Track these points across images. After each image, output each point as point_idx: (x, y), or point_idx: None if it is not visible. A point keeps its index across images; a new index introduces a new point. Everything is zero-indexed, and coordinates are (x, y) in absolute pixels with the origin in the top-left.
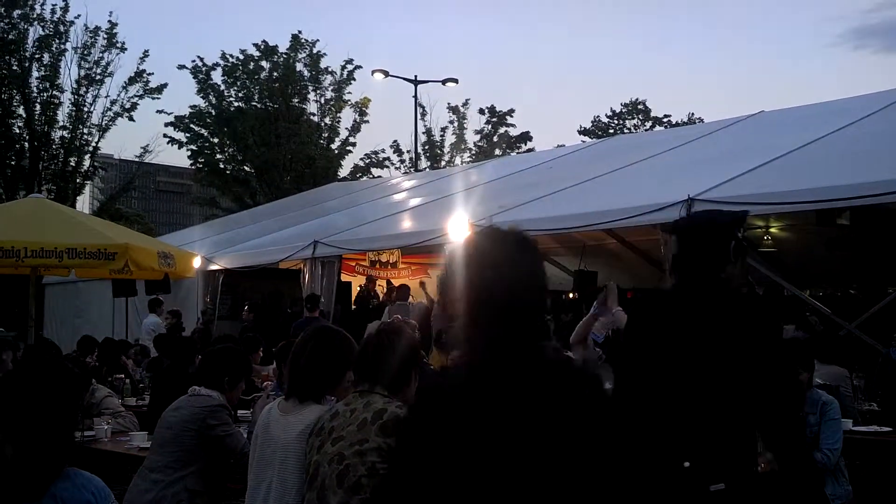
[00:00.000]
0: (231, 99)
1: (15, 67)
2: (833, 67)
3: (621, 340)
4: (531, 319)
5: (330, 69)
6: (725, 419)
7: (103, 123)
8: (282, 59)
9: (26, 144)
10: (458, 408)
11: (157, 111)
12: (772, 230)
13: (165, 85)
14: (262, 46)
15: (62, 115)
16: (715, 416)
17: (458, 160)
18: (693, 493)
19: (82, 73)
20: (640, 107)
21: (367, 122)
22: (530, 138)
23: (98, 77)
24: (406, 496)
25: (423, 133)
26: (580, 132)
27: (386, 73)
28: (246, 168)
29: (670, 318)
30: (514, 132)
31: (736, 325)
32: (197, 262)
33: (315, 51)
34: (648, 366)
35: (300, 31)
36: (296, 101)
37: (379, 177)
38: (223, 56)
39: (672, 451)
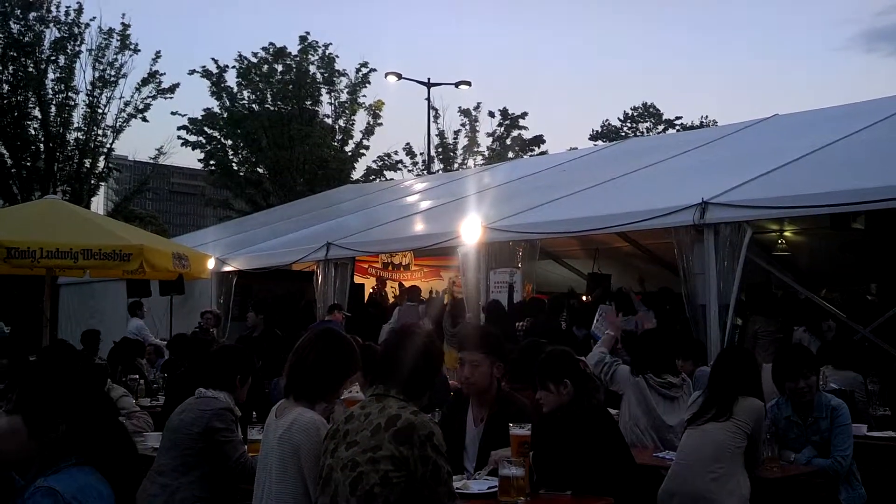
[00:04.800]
0: (244, 101)
1: (31, 70)
2: (844, 71)
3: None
4: None
5: (344, 71)
6: None
7: (117, 125)
8: (294, 62)
9: (42, 146)
10: None
11: (172, 113)
12: (786, 234)
13: (178, 85)
14: (271, 49)
15: (77, 117)
16: None
17: (470, 163)
18: None
19: (97, 74)
20: (651, 110)
21: (381, 124)
22: (543, 141)
23: (112, 78)
24: None
25: (437, 136)
26: (592, 137)
27: (399, 76)
28: (259, 170)
29: None
30: (526, 135)
31: None
32: (211, 264)
33: (327, 53)
34: None
35: (308, 33)
36: (308, 103)
37: (392, 179)
38: (238, 58)
39: None
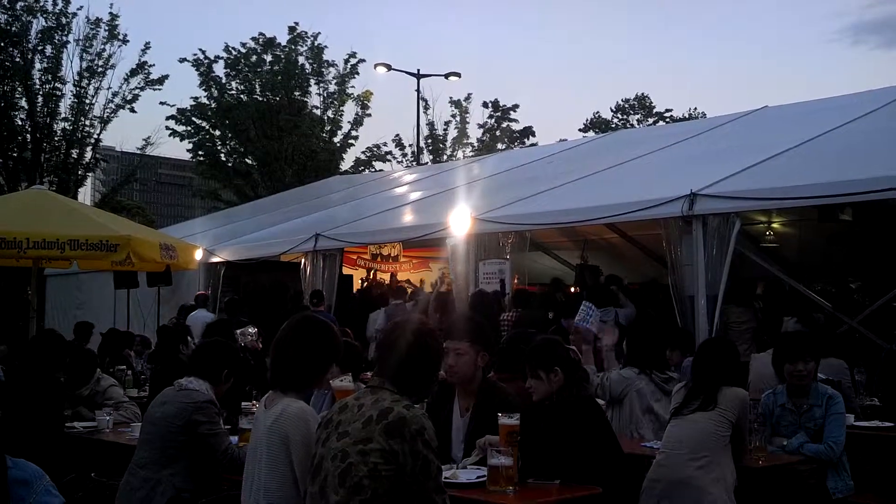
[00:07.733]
0: (233, 92)
1: (18, 59)
2: (832, 63)
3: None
4: None
5: (333, 62)
6: None
7: (105, 115)
8: (283, 52)
9: (28, 136)
10: None
11: (160, 103)
12: (774, 226)
13: (167, 76)
14: (261, 39)
15: (64, 107)
16: None
17: (460, 154)
18: None
19: (84, 65)
20: (643, 101)
21: (370, 115)
22: (533, 133)
23: (100, 69)
24: None
25: (426, 127)
26: (582, 128)
27: (389, 67)
28: (248, 161)
29: None
30: (516, 127)
31: None
32: (199, 255)
33: (316, 43)
34: None
35: (297, 23)
36: (297, 93)
37: (381, 170)
38: (226, 49)
39: None
